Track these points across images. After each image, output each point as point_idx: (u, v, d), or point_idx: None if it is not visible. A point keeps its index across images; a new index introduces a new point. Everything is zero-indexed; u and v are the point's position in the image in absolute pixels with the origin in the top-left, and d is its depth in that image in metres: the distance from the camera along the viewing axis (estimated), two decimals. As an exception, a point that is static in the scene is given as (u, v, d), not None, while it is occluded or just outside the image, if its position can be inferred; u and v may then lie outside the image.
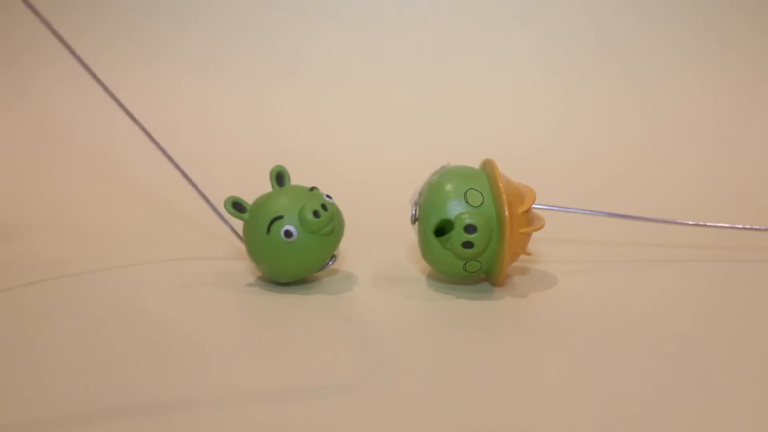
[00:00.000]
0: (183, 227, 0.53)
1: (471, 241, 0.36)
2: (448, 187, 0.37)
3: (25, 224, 0.53)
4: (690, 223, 0.46)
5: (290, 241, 0.36)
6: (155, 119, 0.69)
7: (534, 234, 0.39)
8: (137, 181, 0.63)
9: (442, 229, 0.37)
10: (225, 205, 0.38)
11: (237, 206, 0.38)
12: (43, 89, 0.71)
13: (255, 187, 0.41)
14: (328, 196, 0.38)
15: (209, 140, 0.66)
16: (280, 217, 0.36)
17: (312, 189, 0.38)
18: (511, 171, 0.40)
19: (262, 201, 0.38)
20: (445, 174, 0.38)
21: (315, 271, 0.39)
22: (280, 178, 0.39)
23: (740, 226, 0.45)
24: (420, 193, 0.39)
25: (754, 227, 0.45)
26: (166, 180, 0.52)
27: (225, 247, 0.47)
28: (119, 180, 0.64)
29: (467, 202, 0.36)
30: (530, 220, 0.38)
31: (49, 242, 0.49)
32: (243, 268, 0.42)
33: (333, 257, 0.39)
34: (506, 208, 0.36)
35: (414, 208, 0.39)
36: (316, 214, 0.36)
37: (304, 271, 0.39)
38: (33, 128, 0.68)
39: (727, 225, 0.45)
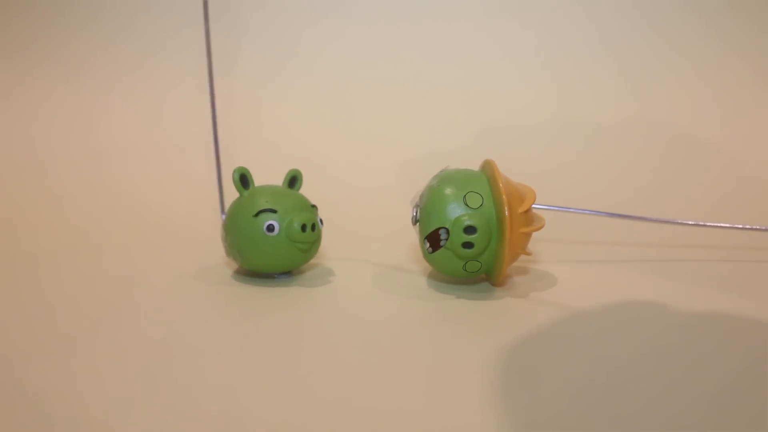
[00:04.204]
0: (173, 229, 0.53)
1: (471, 241, 0.36)
2: (448, 191, 0.37)
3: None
4: (690, 223, 0.45)
5: (269, 235, 0.38)
6: (151, 118, 0.69)
7: (534, 234, 0.39)
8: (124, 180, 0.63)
9: (436, 236, 0.37)
10: (233, 174, 0.39)
11: (243, 179, 0.40)
12: (38, 89, 0.71)
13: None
14: (321, 220, 0.40)
15: (209, 140, 0.66)
16: (274, 211, 0.38)
17: (313, 206, 0.40)
18: (511, 171, 0.40)
19: (266, 188, 0.40)
20: (444, 178, 0.38)
21: (269, 272, 0.41)
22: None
23: (740, 226, 0.45)
24: (421, 196, 0.39)
25: (754, 227, 0.45)
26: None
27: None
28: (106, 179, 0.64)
29: (466, 205, 0.37)
30: (530, 220, 0.38)
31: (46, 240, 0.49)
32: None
33: (288, 273, 0.41)
34: (506, 208, 0.36)
35: (415, 210, 0.39)
36: (303, 228, 0.38)
37: (261, 266, 0.40)
38: (30, 128, 0.68)
39: (727, 225, 0.45)
